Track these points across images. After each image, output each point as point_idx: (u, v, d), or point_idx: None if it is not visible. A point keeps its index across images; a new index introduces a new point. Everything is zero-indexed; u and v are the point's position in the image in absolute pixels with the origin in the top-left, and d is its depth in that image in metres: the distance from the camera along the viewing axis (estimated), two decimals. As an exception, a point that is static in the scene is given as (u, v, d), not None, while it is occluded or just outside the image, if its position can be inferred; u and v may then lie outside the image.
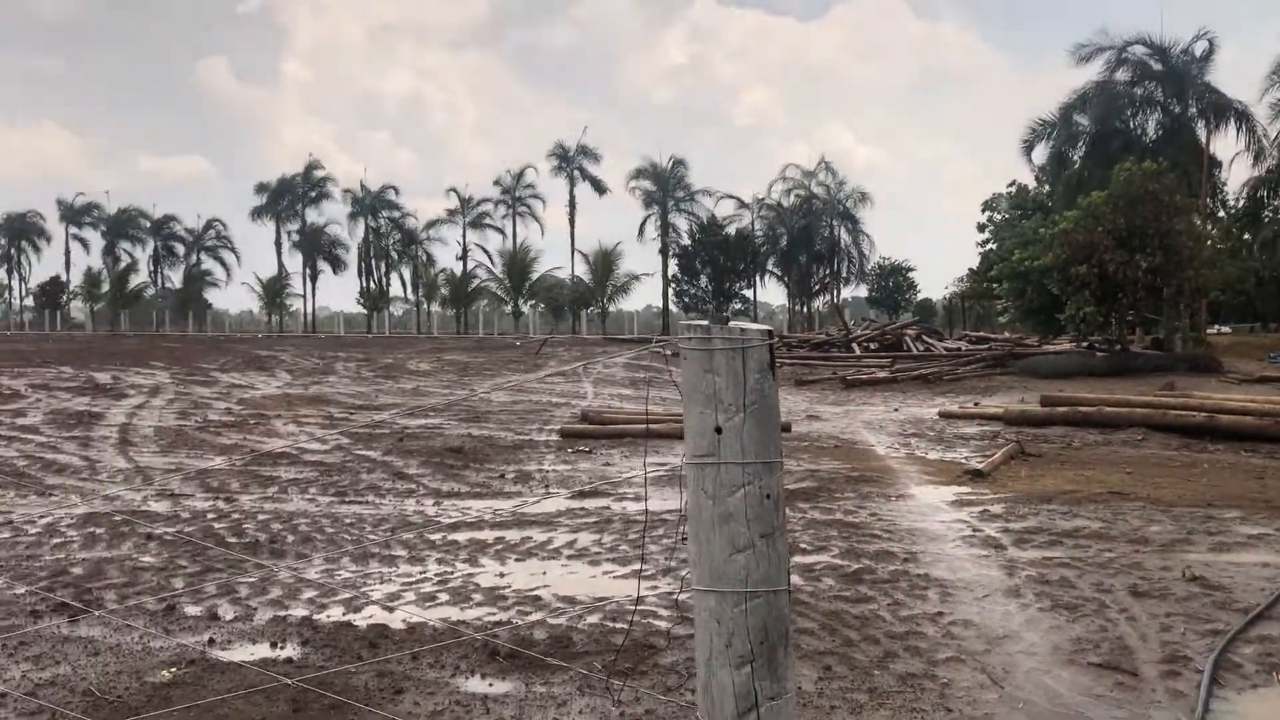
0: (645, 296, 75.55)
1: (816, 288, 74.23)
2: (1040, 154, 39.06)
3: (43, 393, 18.59)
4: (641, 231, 72.94)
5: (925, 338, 36.34)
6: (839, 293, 73.87)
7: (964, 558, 6.97)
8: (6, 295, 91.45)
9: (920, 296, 75.07)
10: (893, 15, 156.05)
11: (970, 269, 61.58)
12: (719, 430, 2.02)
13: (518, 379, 25.46)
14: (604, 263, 70.00)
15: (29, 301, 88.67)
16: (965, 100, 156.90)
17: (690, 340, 2.06)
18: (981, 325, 61.26)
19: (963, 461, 11.82)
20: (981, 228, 61.17)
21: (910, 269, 74.24)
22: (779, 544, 2.04)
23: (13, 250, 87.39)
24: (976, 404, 19.32)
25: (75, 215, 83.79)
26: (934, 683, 4.53)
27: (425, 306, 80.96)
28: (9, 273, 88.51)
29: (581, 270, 73.31)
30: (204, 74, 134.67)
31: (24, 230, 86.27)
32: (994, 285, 42.46)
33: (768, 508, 2.03)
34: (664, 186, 72.78)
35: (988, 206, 60.72)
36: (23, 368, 25.92)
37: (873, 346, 35.72)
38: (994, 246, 54.40)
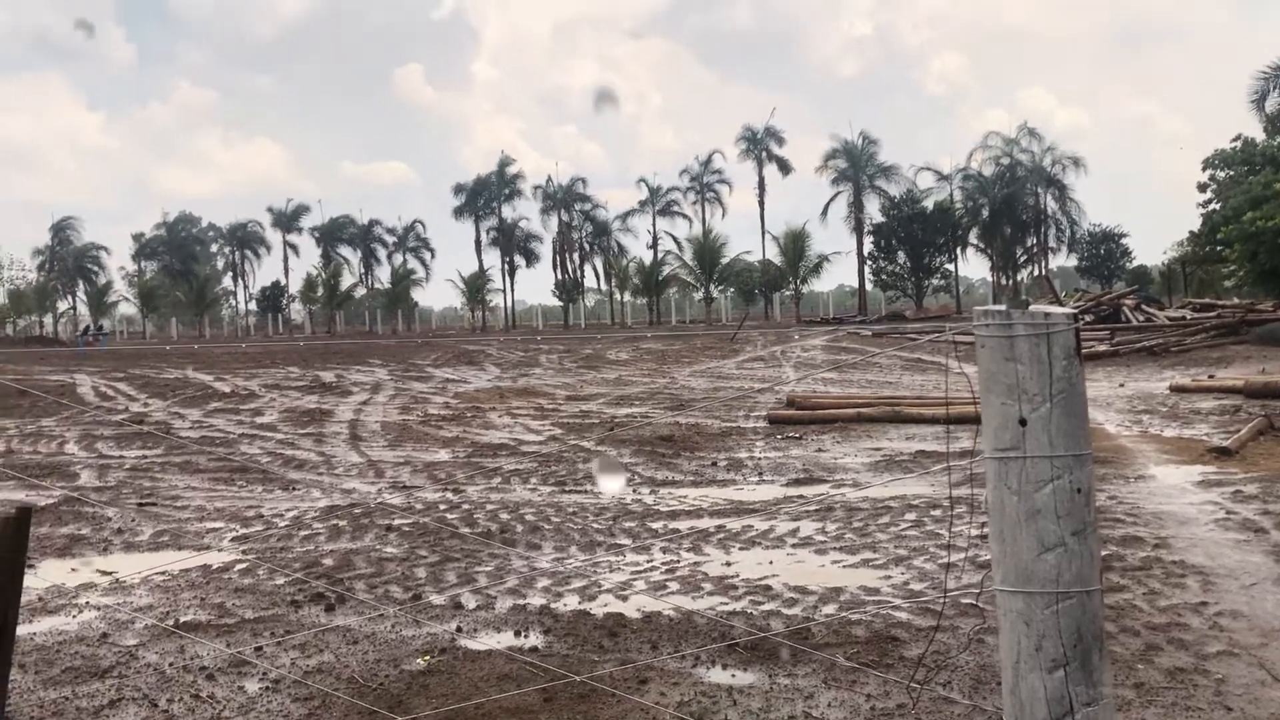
0: (838, 276, 74.47)
1: (1022, 259, 71.18)
2: (1273, 104, 36.03)
3: (275, 392, 19.86)
4: (825, 212, 71.90)
5: (1145, 307, 34.23)
6: (1047, 263, 70.64)
7: (1221, 542, 6.49)
8: (233, 301, 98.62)
9: (1134, 264, 70.76)
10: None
11: (1191, 232, 57.34)
12: (1023, 422, 1.90)
13: (716, 365, 25.46)
14: (795, 244, 69.26)
15: (252, 306, 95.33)
16: (1173, 54, 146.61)
17: (988, 326, 1.94)
18: (1205, 292, 57.12)
19: (1204, 439, 11.04)
20: (1203, 187, 56.85)
21: (1123, 235, 70.15)
22: (1091, 541, 1.90)
23: (236, 258, 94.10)
24: (1211, 376, 18.04)
25: (287, 221, 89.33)
26: (1206, 678, 4.21)
27: (618, 296, 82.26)
28: (234, 279, 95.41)
29: (771, 253, 72.85)
30: (400, 81, 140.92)
31: (246, 239, 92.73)
32: (1220, 249, 39.52)
33: (1079, 503, 1.89)
34: (856, 164, 71.36)
35: (1209, 164, 56.49)
36: (254, 369, 27.78)
37: (1088, 319, 33.90)
38: (1218, 206, 50.61)
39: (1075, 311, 1.95)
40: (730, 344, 35.20)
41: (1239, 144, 54.24)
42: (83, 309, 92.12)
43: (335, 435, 13.56)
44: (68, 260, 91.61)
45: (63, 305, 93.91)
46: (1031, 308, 1.92)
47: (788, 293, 73.14)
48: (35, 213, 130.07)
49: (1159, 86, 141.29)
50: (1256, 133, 49.70)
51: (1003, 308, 1.93)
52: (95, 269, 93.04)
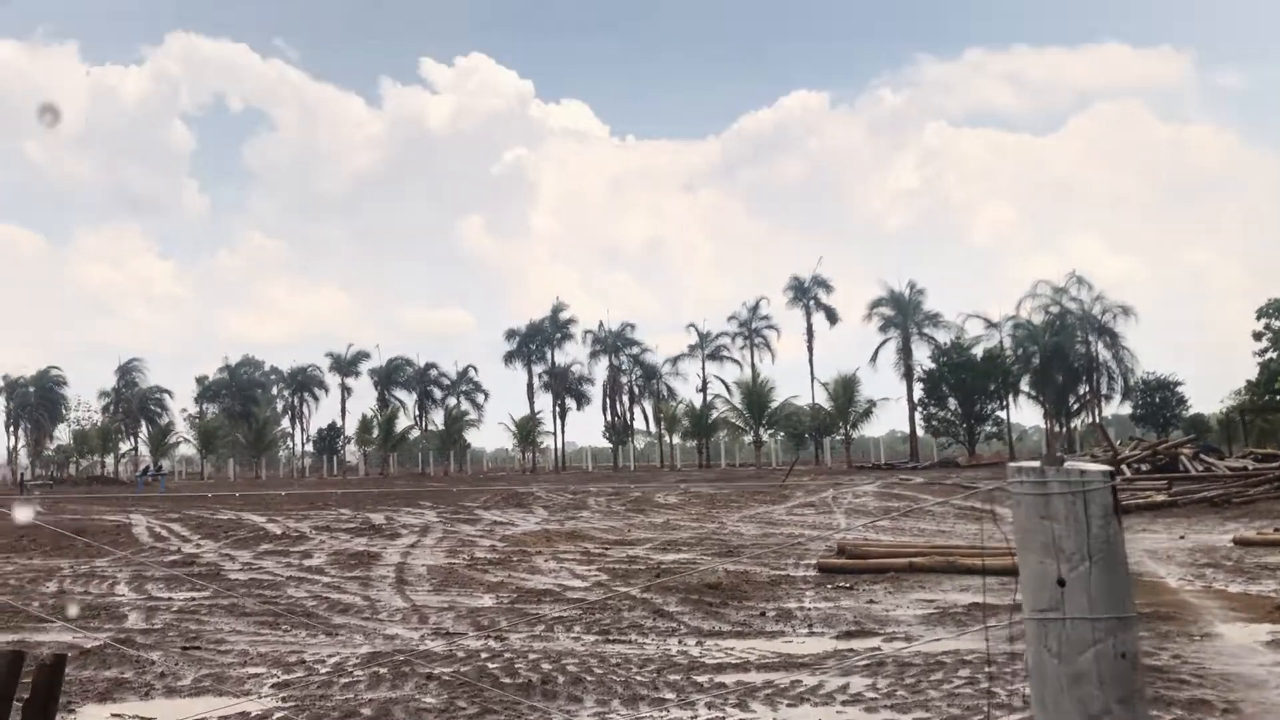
0: (889, 422, 73.99)
1: (1075, 406, 70.37)
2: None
3: (325, 534, 19.92)
4: (875, 357, 72.09)
5: (1203, 456, 33.46)
6: (1100, 411, 69.69)
7: (1295, 708, 6.18)
8: (290, 443, 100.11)
9: (1191, 412, 69.57)
10: (1136, 122, 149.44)
11: (1248, 381, 56.71)
12: (1061, 582, 1.86)
13: (766, 510, 25.16)
14: (845, 390, 69.18)
15: (309, 447, 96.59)
16: (1226, 203, 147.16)
17: (1023, 484, 1.93)
18: (1266, 441, 55.92)
19: (1273, 595, 10.63)
20: (1258, 336, 56.47)
21: (1178, 383, 69.20)
22: (1139, 709, 1.83)
23: (295, 401, 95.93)
24: (1277, 530, 17.46)
25: (346, 366, 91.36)
26: None
27: (667, 439, 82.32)
28: (293, 421, 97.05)
29: (820, 398, 72.82)
30: (462, 232, 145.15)
31: (306, 383, 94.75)
32: (1279, 398, 38.85)
33: (1124, 668, 1.83)
34: (904, 311, 71.81)
35: (1264, 313, 56.08)
36: (307, 511, 27.95)
37: (1144, 468, 33.21)
38: (1275, 356, 50.07)
39: (1111, 469, 1.93)
40: (780, 489, 34.85)
41: (1295, 293, 54.07)
42: (144, 449, 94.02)
43: (382, 579, 13.51)
44: (132, 402, 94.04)
45: (125, 445, 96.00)
46: (1067, 464, 1.91)
47: (838, 437, 72.75)
48: (105, 356, 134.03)
49: (1212, 235, 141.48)
50: (1314, 281, 49.52)
51: (1037, 464, 1.92)
52: (158, 410, 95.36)
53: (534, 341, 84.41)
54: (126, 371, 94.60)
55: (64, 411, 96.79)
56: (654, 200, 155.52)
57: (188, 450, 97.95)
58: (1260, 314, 56.49)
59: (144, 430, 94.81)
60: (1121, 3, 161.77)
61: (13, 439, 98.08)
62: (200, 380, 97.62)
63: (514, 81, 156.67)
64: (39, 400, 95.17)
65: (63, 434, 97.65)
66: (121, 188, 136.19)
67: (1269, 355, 52.91)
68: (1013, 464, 1.94)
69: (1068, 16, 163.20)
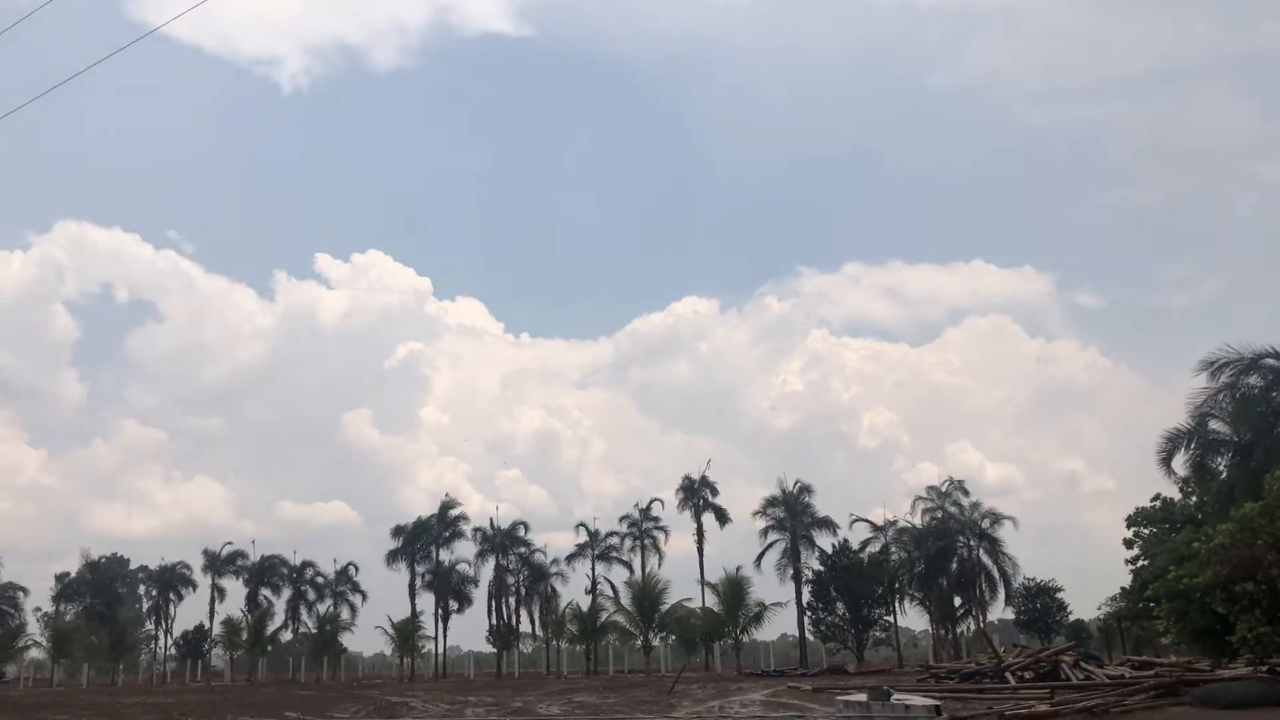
0: (779, 625, 73.26)
1: (960, 612, 71.05)
2: (1180, 463, 37.73)
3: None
4: (760, 560, 72.15)
5: (1084, 664, 33.83)
6: (984, 617, 70.39)
7: None
8: (152, 646, 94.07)
9: (1072, 618, 70.80)
10: (1005, 336, 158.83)
11: (1122, 588, 58.28)
12: (889, 820, 1.86)
13: (651, 721, 24.37)
14: (734, 592, 68.77)
15: (172, 650, 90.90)
16: (1093, 414, 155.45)
17: (850, 716, 1.95)
18: (1143, 648, 57.13)
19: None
20: (1129, 543, 58.48)
21: (1058, 589, 70.64)
22: None
23: (160, 601, 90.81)
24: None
25: (221, 565, 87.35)
26: None
27: (555, 643, 79.98)
28: (156, 623, 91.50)
29: (711, 600, 72.09)
30: (348, 425, 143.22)
31: (173, 582, 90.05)
32: (1151, 604, 39.91)
33: None
34: (793, 512, 72.57)
35: (1133, 522, 58.28)
36: (162, 721, 26.09)
37: (1027, 675, 33.41)
38: (1146, 563, 51.76)
39: (937, 704, 1.97)
40: (669, 696, 33.96)
41: (1158, 503, 56.37)
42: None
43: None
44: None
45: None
46: (894, 698, 1.94)
47: (728, 641, 71.74)
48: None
49: (1081, 443, 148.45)
50: (1172, 492, 51.85)
51: (863, 698, 1.95)
52: (10, 610, 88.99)
53: (420, 540, 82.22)
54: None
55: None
56: (547, 396, 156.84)
57: (36, 654, 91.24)
58: (1129, 522, 58.65)
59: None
60: (986, 225, 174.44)
61: None
62: (60, 577, 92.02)
63: (411, 278, 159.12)
64: None
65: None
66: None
67: (1141, 562, 54.64)
68: (840, 697, 1.97)
69: (938, 236, 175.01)
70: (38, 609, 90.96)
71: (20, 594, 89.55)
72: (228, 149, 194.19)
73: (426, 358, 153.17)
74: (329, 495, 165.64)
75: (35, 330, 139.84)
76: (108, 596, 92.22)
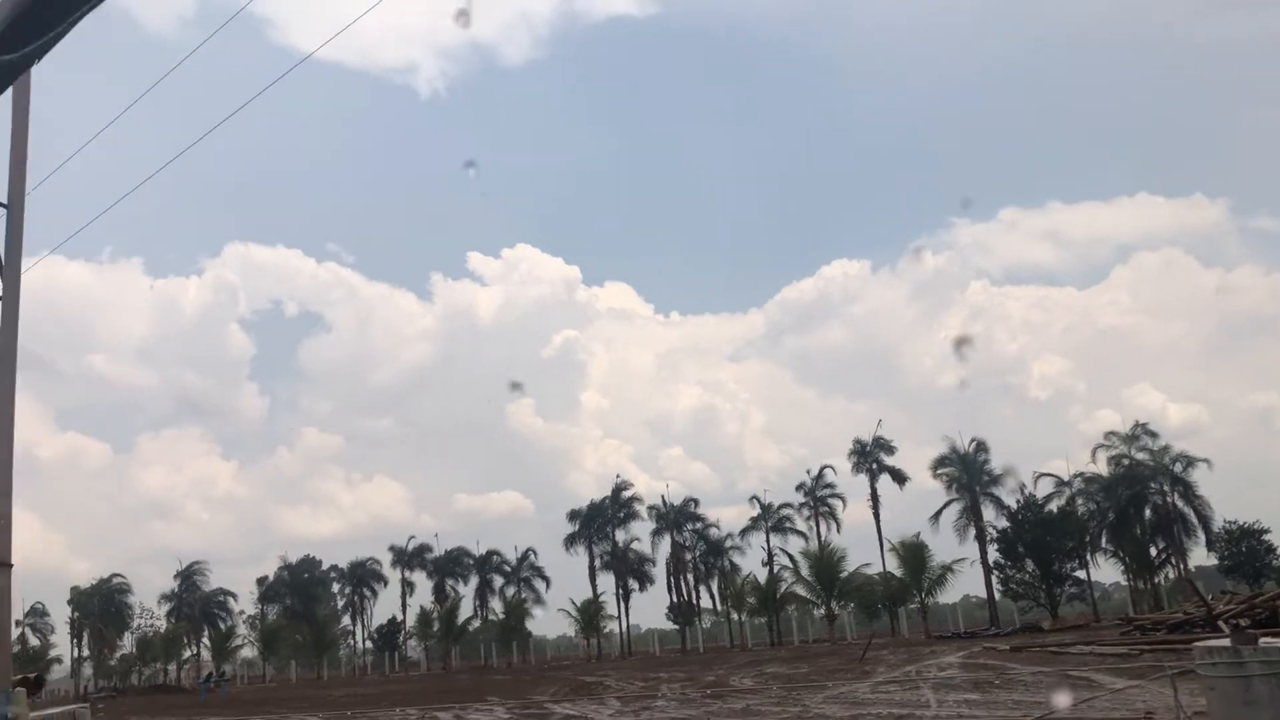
0: (964, 586, 70.97)
1: (1158, 561, 67.79)
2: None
3: (395, 735, 19.34)
4: (937, 518, 70.31)
5: (1306, 607, 31.76)
6: (1185, 565, 66.94)
7: None
8: (350, 640, 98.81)
9: (1281, 559, 66.53)
10: (1178, 269, 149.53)
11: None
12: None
13: (849, 688, 24.09)
14: (915, 555, 67.39)
15: (368, 644, 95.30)
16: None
17: (1215, 665, 1.74)
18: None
19: None
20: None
21: (1264, 531, 66.40)
22: None
23: (355, 597, 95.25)
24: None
25: (408, 559, 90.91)
26: None
27: (738, 616, 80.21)
28: (353, 618, 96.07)
29: (891, 564, 70.92)
30: (513, 415, 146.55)
31: (365, 578, 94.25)
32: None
33: None
34: (970, 471, 70.49)
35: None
36: (373, 711, 27.30)
37: (1242, 623, 31.57)
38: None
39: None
40: (860, 664, 33.54)
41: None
42: (206, 654, 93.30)
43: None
44: (195, 606, 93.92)
45: (187, 651, 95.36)
46: (1262, 642, 1.72)
47: (913, 606, 70.40)
48: (165, 560, 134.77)
49: (1273, 377, 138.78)
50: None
51: (1227, 643, 1.73)
52: (221, 614, 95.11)
53: (595, 522, 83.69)
54: (189, 575, 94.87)
55: (128, 619, 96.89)
56: (702, 372, 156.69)
57: (249, 653, 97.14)
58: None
59: (206, 634, 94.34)
60: (1149, 154, 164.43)
61: (77, 650, 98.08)
62: (260, 581, 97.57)
63: (560, 267, 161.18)
64: (102, 609, 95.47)
65: (126, 642, 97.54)
66: (184, 393, 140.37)
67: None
68: (1199, 644, 1.76)
69: (1098, 171, 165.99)
70: (242, 612, 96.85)
71: (230, 598, 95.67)
72: (373, 159, 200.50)
73: (581, 344, 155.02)
74: (501, 485, 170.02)
75: (215, 350, 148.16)
76: (305, 596, 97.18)
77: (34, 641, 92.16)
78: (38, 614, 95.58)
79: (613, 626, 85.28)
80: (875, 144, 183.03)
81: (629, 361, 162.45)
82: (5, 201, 5.45)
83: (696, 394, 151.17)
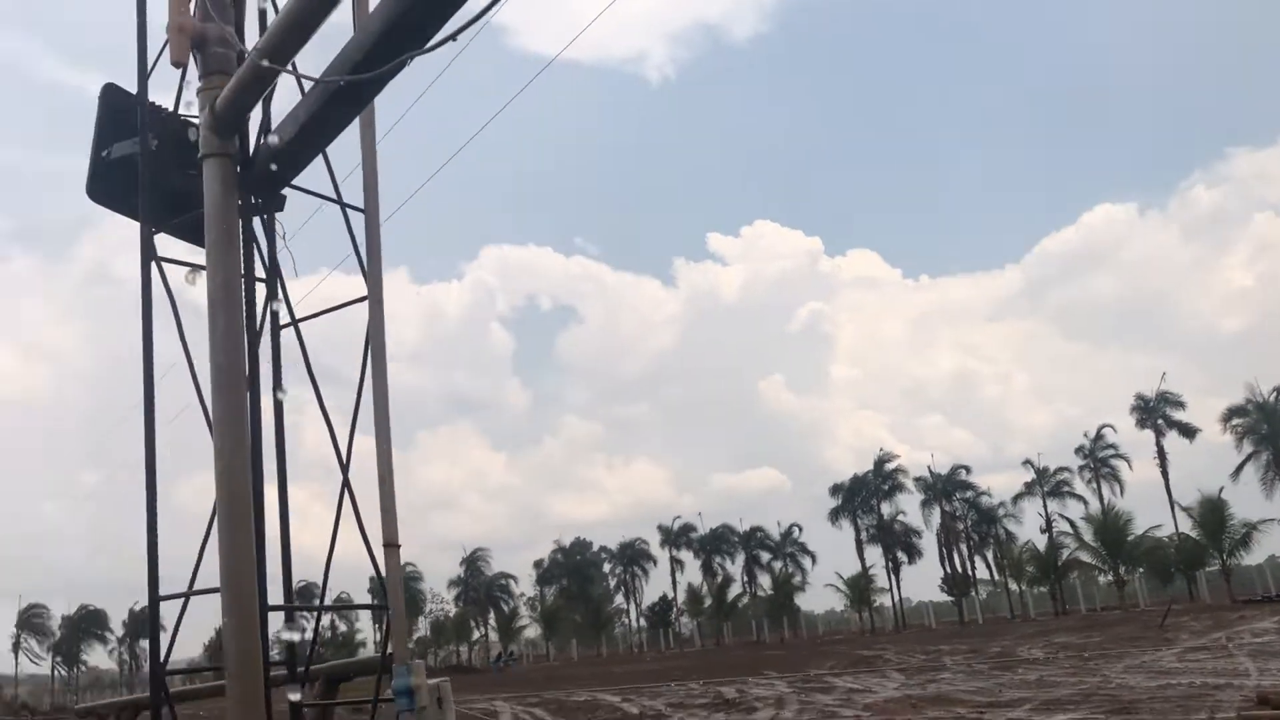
0: (1267, 547, 64.74)
1: None
2: None
3: (682, 712, 19.70)
4: (1238, 474, 64.36)
5: None
6: None
7: None
8: (625, 619, 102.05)
9: None
10: None
11: None
12: None
13: (1151, 657, 22.53)
14: (1215, 515, 62.31)
15: (641, 622, 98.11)
16: None
17: None
18: None
19: None
20: None
21: None
22: None
23: (626, 577, 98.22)
24: None
25: (675, 538, 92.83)
26: None
27: (1016, 586, 77.03)
28: (626, 597, 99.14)
29: (1184, 525, 65.92)
30: (764, 392, 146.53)
31: (635, 557, 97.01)
32: None
33: None
34: (1272, 421, 64.23)
35: None
36: (656, 686, 27.98)
37: None
38: None
39: None
40: (1159, 631, 31.38)
41: None
42: (493, 635, 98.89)
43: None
44: (479, 590, 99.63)
45: (475, 633, 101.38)
46: None
47: (1212, 569, 65.17)
48: (449, 548, 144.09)
49: None
50: None
51: None
52: (504, 596, 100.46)
53: (859, 495, 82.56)
54: (472, 561, 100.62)
55: (421, 605, 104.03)
56: (958, 335, 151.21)
57: (532, 633, 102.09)
58: None
59: (491, 617, 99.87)
60: None
61: (379, 634, 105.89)
62: (537, 564, 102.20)
63: (800, 240, 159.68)
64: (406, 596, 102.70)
65: (421, 626, 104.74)
66: (454, 391, 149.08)
67: None
68: None
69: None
70: (521, 594, 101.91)
71: (511, 581, 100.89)
72: (610, 150, 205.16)
73: (827, 315, 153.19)
74: (757, 462, 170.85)
75: (480, 348, 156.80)
76: (580, 577, 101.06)
77: (342, 628, 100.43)
78: (343, 603, 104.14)
79: (883, 600, 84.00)
80: (1131, 75, 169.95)
81: (879, 330, 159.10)
82: (362, 206, 5.94)
83: (953, 358, 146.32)
